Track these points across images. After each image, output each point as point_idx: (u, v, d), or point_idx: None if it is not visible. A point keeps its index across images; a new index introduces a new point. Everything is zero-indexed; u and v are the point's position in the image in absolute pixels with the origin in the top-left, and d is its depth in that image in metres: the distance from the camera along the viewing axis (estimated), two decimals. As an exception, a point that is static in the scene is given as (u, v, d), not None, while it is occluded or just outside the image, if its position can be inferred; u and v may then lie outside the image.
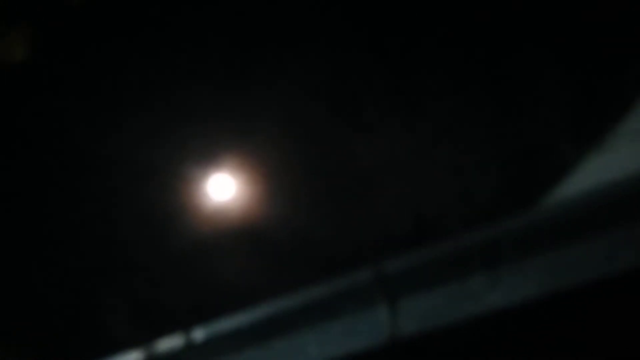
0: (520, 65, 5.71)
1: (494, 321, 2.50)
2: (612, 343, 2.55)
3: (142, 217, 6.43)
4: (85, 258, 6.64)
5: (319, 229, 6.45)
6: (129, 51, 5.71)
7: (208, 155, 6.24)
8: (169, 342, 2.95)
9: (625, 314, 2.50)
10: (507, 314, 2.47)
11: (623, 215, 2.33)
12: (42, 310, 6.87)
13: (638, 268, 2.31)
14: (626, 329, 2.52)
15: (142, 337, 3.15)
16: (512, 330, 2.58)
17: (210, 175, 6.32)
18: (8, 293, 6.71)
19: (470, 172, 6.13)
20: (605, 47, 5.31)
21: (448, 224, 6.04)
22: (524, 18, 5.52)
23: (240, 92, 5.94)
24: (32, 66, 5.41)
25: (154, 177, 6.25)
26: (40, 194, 6.36)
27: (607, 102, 4.81)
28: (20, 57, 5.15)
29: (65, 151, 6.19)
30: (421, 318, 2.57)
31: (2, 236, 6.48)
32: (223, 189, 6.39)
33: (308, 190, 6.37)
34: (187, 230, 6.47)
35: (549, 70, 5.66)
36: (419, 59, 5.85)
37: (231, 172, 6.32)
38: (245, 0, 5.62)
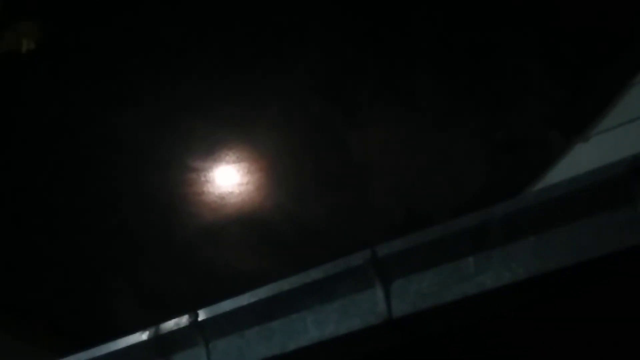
0: (508, 59, 5.78)
1: (483, 301, 2.58)
2: (598, 322, 2.64)
3: (147, 205, 6.48)
4: (92, 245, 6.68)
5: (316, 217, 6.51)
6: (135, 43, 5.75)
7: (211, 146, 6.29)
8: (174, 324, 3.04)
9: (609, 293, 2.59)
10: (496, 294, 2.55)
11: (606, 199, 2.41)
12: (52, 296, 6.91)
13: (621, 250, 2.38)
14: (611, 308, 2.61)
15: (147, 320, 3.23)
16: (501, 310, 2.68)
17: (213, 165, 6.37)
18: (18, 280, 6.74)
19: (460, 163, 6.20)
20: (589, 42, 5.37)
21: (438, 213, 6.10)
22: (513, 13, 5.58)
23: (242, 85, 5.99)
24: (38, 57, 5.43)
25: (159, 167, 6.30)
26: (47, 183, 6.40)
27: (592, 94, 4.87)
28: (27, 48, 5.19)
29: (71, 140, 6.22)
30: (414, 299, 2.65)
31: (10, 225, 6.51)
32: (225, 178, 6.43)
33: (306, 181, 6.44)
34: (190, 218, 6.52)
35: (535, 64, 5.72)
36: (410, 54, 5.91)
37: (233, 163, 6.37)
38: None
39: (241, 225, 6.63)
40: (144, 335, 3.07)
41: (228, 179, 6.48)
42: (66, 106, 6.04)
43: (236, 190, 6.52)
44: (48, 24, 5.32)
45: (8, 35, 5.15)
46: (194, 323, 2.98)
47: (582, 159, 3.80)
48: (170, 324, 3.04)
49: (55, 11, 5.41)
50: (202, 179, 6.44)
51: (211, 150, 6.34)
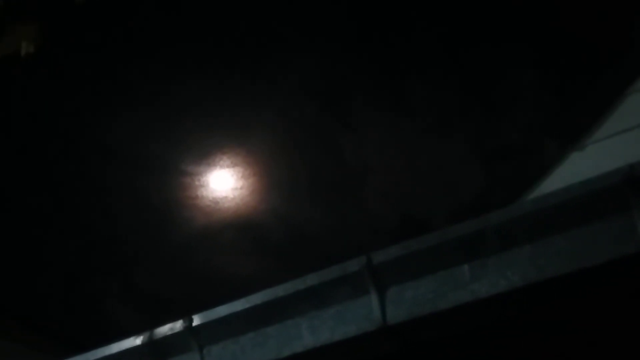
0: (504, 66, 5.79)
1: (478, 309, 2.59)
2: (593, 330, 2.65)
3: (141, 209, 6.48)
4: (86, 250, 6.68)
5: (311, 222, 6.51)
6: (131, 47, 5.76)
7: (205, 150, 6.29)
8: (168, 329, 3.05)
9: (604, 302, 2.60)
10: (491, 302, 2.55)
11: (601, 208, 2.42)
12: (46, 300, 6.91)
13: (616, 259, 2.39)
14: (607, 316, 2.62)
15: (142, 324, 3.23)
16: (496, 317, 2.69)
17: (207, 169, 6.37)
18: (13, 284, 6.74)
19: (455, 170, 6.20)
20: (585, 51, 5.38)
21: (433, 219, 6.11)
22: (509, 21, 5.59)
23: (237, 90, 6.00)
24: (37, 61, 5.44)
25: (153, 171, 6.30)
26: (42, 187, 6.40)
27: (587, 102, 4.88)
28: (25, 52, 5.20)
29: (67, 144, 6.22)
30: (409, 306, 2.66)
31: (5, 229, 6.50)
32: (219, 183, 6.44)
33: (301, 185, 6.44)
34: (185, 222, 6.52)
35: (531, 72, 5.73)
36: (405, 59, 5.92)
37: (227, 167, 6.37)
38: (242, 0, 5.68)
39: (235, 229, 6.63)
40: (138, 340, 3.08)
41: (222, 183, 6.48)
42: (62, 110, 6.04)
43: (230, 194, 6.52)
44: (47, 28, 5.33)
45: (7, 39, 5.16)
46: (189, 328, 2.98)
47: (578, 167, 3.81)
48: (165, 329, 3.05)
49: (54, 15, 5.42)
50: (197, 183, 6.44)
51: (206, 154, 6.34)
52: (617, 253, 2.39)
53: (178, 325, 3.01)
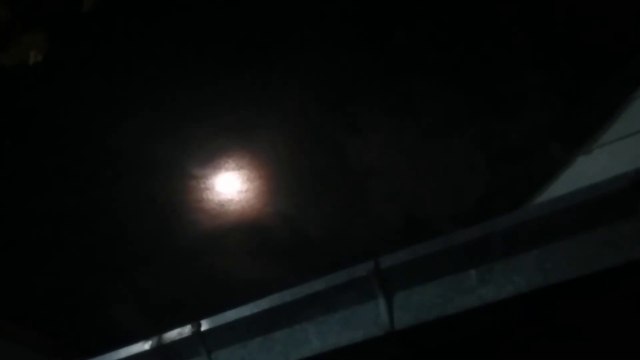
0: (510, 68, 5.79)
1: (485, 314, 2.59)
2: (600, 334, 2.65)
3: (148, 213, 6.48)
4: (94, 254, 6.69)
5: (316, 225, 6.51)
6: (137, 52, 5.77)
7: (211, 153, 6.30)
8: (177, 334, 3.05)
9: (611, 307, 2.60)
10: (498, 307, 2.55)
11: (608, 213, 2.42)
12: (55, 306, 6.91)
13: (623, 264, 2.39)
14: (613, 321, 2.62)
15: (149, 329, 3.24)
16: (502, 322, 2.69)
17: (213, 172, 6.38)
18: (20, 289, 6.75)
19: (460, 173, 6.20)
20: (592, 55, 5.38)
21: (438, 223, 6.11)
22: (514, 22, 5.59)
23: (242, 93, 6.01)
24: (44, 69, 5.46)
25: (159, 174, 6.31)
26: (50, 190, 6.41)
27: (594, 105, 4.88)
28: (33, 61, 5.23)
29: (75, 149, 6.23)
30: (416, 311, 2.66)
31: (12, 233, 6.51)
32: (225, 186, 6.44)
33: (306, 188, 6.44)
34: (191, 226, 6.53)
35: (539, 76, 5.73)
36: (410, 61, 5.92)
37: (233, 170, 6.38)
38: (246, 2, 5.68)
39: (242, 233, 6.64)
40: (146, 345, 3.09)
41: (228, 186, 6.49)
42: (69, 115, 6.06)
43: (236, 197, 6.53)
44: (55, 38, 5.36)
45: (16, 48, 5.19)
46: (197, 333, 2.99)
47: (584, 171, 3.80)
48: (173, 334, 3.06)
49: (61, 24, 5.44)
50: (202, 186, 6.45)
51: (211, 157, 6.36)
52: (623, 257, 2.39)
53: (186, 330, 3.02)
